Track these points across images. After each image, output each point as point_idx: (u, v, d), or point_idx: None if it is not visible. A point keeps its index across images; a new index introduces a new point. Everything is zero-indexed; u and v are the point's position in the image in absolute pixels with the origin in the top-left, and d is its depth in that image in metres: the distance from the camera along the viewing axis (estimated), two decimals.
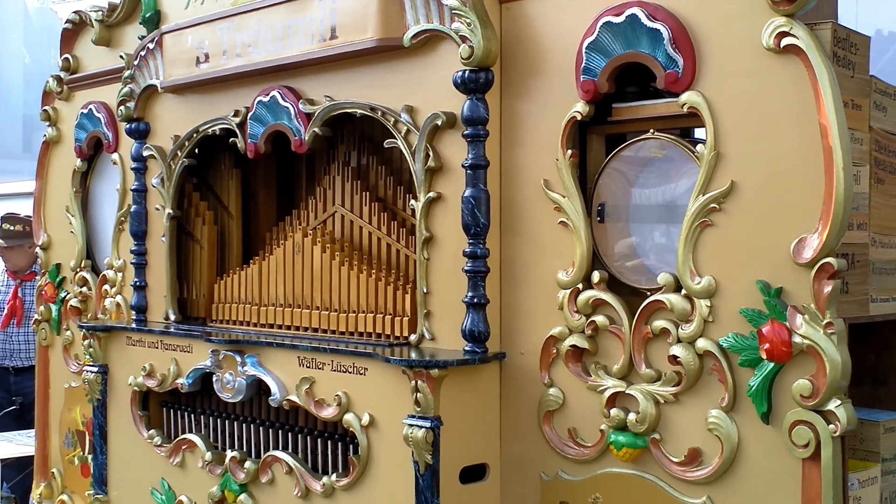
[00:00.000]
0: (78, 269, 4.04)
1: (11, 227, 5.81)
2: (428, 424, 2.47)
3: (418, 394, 2.49)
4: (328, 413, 2.75)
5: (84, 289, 4.01)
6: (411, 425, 2.49)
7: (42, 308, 4.20)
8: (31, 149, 10.30)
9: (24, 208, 6.74)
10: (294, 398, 2.84)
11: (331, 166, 3.23)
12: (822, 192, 2.06)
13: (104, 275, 3.88)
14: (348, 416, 2.70)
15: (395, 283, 2.87)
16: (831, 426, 2.06)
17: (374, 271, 2.93)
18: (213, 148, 3.52)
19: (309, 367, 2.81)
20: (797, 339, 2.09)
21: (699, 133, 2.51)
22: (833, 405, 2.06)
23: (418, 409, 2.49)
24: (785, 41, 2.11)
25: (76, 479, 4.04)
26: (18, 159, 10.21)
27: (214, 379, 3.08)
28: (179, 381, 3.22)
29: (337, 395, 2.72)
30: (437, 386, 2.48)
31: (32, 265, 5.92)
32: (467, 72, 2.54)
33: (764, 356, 2.13)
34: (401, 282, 2.88)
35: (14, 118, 10.34)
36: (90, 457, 3.83)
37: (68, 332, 4.09)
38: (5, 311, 5.82)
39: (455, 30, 2.56)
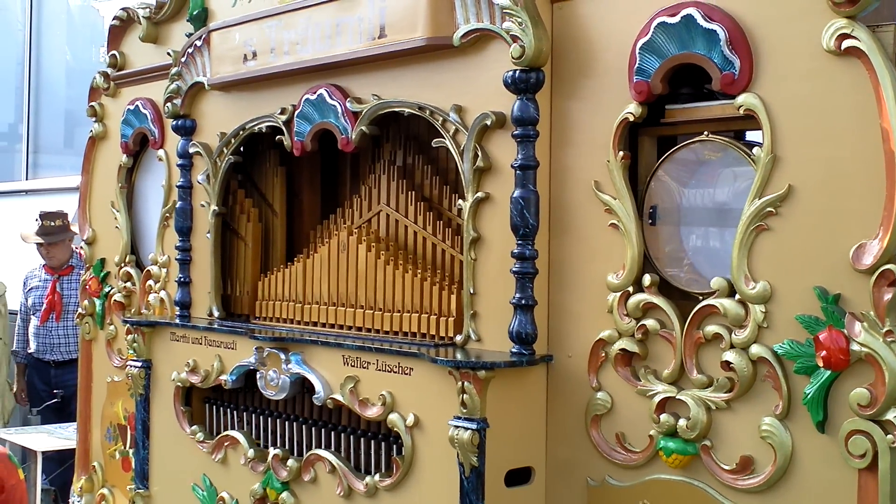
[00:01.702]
0: (122, 265, 4.07)
1: (52, 223, 5.87)
2: (474, 426, 2.45)
3: (465, 395, 2.47)
4: (372, 412, 2.74)
5: (128, 284, 4.03)
6: (457, 427, 2.47)
7: (86, 302, 4.23)
8: (73, 144, 10.40)
9: (65, 203, 6.81)
10: (338, 397, 2.83)
11: (376, 165, 3.23)
12: (883, 197, 2.02)
13: (148, 270, 3.90)
14: (393, 416, 2.68)
15: (441, 284, 2.85)
16: (889, 436, 2.02)
17: (419, 271, 2.92)
18: (259, 145, 3.52)
19: (353, 366, 2.80)
20: (855, 347, 2.05)
21: (751, 135, 2.48)
22: (892, 415, 2.02)
23: (464, 411, 2.48)
24: (846, 43, 2.07)
25: (117, 472, 4.07)
26: (60, 154, 10.32)
27: (258, 376, 3.08)
28: (223, 377, 3.22)
29: (382, 395, 2.71)
30: (484, 387, 2.46)
31: (70, 258, 5.97)
32: (518, 71, 2.52)
33: (820, 364, 2.09)
34: (446, 282, 2.87)
35: (56, 114, 10.45)
36: (131, 451, 3.86)
37: (111, 327, 4.12)
38: (44, 305, 5.87)
39: (506, 29, 2.54)
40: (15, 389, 6.12)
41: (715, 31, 2.25)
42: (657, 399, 2.38)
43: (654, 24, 2.36)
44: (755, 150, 2.24)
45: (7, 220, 7.36)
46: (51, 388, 5.84)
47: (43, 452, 5.05)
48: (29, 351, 5.95)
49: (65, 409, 5.74)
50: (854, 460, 2.07)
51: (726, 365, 2.26)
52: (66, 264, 5.95)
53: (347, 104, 2.98)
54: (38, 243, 6.02)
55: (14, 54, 10.59)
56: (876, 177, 2.03)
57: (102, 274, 4.18)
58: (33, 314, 5.93)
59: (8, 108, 10.72)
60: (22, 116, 10.41)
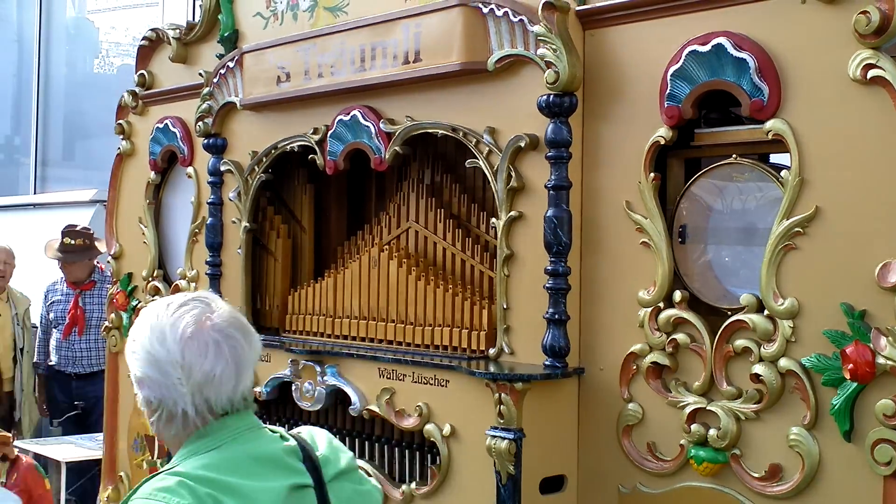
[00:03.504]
0: (150, 279, 4.15)
1: (73, 242, 5.90)
2: (511, 436, 2.56)
3: (502, 406, 2.57)
4: (409, 423, 2.84)
5: (156, 297, 4.11)
6: (495, 436, 2.57)
7: (113, 315, 4.31)
8: (73, 157, 10.48)
9: (76, 218, 6.88)
10: (374, 408, 2.93)
11: (403, 183, 3.33)
12: None
13: (176, 284, 3.99)
14: (429, 427, 2.79)
15: (472, 299, 2.95)
16: None
17: (450, 286, 3.02)
18: (288, 164, 3.62)
19: (389, 378, 2.90)
20: (881, 361, 2.16)
21: (776, 158, 2.59)
22: None
23: (501, 421, 2.58)
24: (871, 73, 2.19)
25: None
26: (60, 167, 10.39)
27: (293, 388, 3.18)
28: (257, 389, 3.31)
29: (418, 406, 2.81)
30: (521, 399, 2.56)
31: (91, 275, 6.04)
32: (552, 96, 2.63)
33: (847, 376, 2.20)
34: (476, 297, 2.97)
35: (56, 127, 10.51)
36: (160, 461, 3.94)
37: None
38: (67, 320, 5.93)
39: (541, 56, 2.65)
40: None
41: (745, 59, 2.37)
42: (688, 410, 2.48)
43: (686, 52, 2.47)
44: (783, 172, 2.35)
45: (19, 234, 7.42)
46: (71, 399, 5.89)
47: (66, 463, 5.12)
48: (50, 363, 6.01)
49: (85, 420, 5.80)
50: (879, 467, 2.18)
51: (755, 377, 2.37)
52: (87, 280, 6.01)
53: (381, 125, 3.08)
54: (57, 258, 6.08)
55: (9, 66, 10.67)
56: None
57: (130, 288, 4.27)
58: (55, 328, 5.98)
59: (4, 121, 10.81)
60: (19, 129, 10.48)
